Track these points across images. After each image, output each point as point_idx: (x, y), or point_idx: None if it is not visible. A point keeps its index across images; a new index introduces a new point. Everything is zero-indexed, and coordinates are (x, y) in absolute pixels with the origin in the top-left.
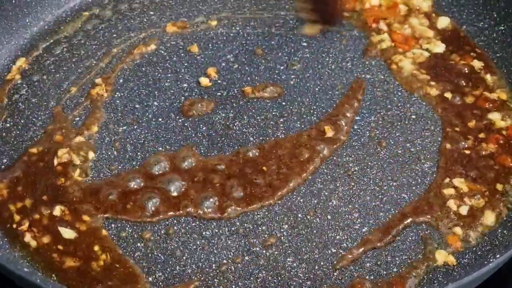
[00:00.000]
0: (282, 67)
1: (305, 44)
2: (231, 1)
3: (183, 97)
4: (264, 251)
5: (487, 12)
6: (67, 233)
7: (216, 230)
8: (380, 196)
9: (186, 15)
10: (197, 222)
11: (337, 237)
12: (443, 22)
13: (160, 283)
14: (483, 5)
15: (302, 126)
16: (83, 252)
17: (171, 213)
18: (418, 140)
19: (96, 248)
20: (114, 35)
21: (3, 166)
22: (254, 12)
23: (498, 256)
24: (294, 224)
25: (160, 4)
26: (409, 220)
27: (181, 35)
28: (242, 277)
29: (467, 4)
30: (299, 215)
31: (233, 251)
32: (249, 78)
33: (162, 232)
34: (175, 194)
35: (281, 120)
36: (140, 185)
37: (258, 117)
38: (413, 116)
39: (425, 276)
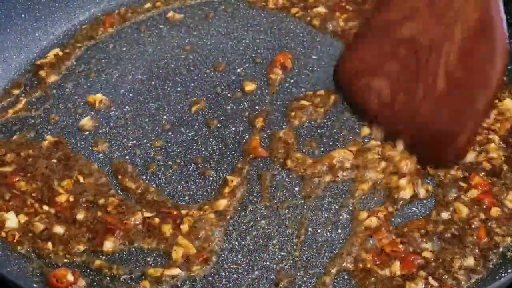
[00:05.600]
0: (292, 81)
1: (315, 57)
2: (240, 14)
3: (193, 111)
4: (274, 266)
5: None
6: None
7: (226, 244)
8: None
9: (196, 29)
10: None
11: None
12: None
13: None
14: None
15: (314, 138)
16: None
17: None
18: None
19: None
20: (124, 49)
21: None
22: (264, 25)
23: (510, 271)
24: (305, 239)
25: (173, 23)
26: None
27: (191, 51)
28: None
29: None
30: (310, 229)
31: (243, 265)
32: (259, 92)
33: None
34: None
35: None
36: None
37: (268, 131)
38: None
39: None
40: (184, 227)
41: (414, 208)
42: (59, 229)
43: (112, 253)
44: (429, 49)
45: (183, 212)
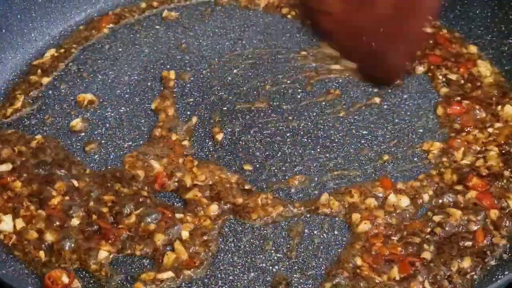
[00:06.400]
0: (288, 81)
1: (312, 60)
2: (237, 14)
3: (188, 112)
4: (270, 267)
5: (495, 25)
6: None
7: (222, 246)
8: None
9: (192, 29)
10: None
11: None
12: None
13: None
14: (490, 18)
15: (309, 140)
16: None
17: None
18: None
19: None
20: (120, 49)
21: None
22: (260, 25)
23: (507, 273)
24: (301, 240)
25: (169, 23)
26: None
27: (188, 52)
28: None
29: (474, 18)
30: (306, 230)
31: (239, 267)
32: (255, 92)
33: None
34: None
35: (288, 134)
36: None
37: (265, 132)
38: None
39: None
40: (185, 233)
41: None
42: (52, 237)
43: (106, 262)
44: None
45: (178, 216)
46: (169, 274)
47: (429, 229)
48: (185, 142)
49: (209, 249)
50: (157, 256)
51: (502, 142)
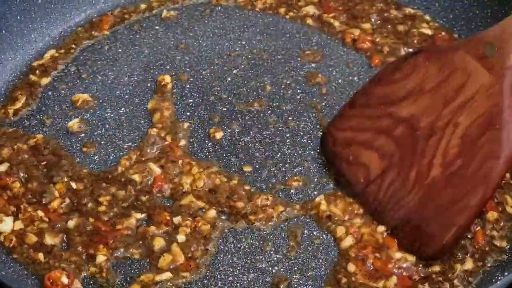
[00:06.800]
0: (288, 82)
1: (311, 60)
2: (236, 15)
3: (188, 113)
4: (270, 268)
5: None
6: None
7: (222, 247)
8: None
9: (192, 30)
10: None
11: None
12: None
13: None
14: (490, 18)
15: (309, 141)
16: None
17: None
18: None
19: None
20: (120, 50)
21: None
22: (260, 26)
23: (507, 273)
24: (301, 241)
25: (168, 24)
26: None
27: (187, 52)
28: None
29: (474, 18)
30: (305, 231)
31: (238, 268)
32: (254, 93)
33: None
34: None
35: (287, 135)
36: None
37: (264, 132)
38: None
39: None
40: (182, 237)
41: None
42: (51, 241)
43: (105, 265)
44: (429, 131)
45: (176, 219)
46: (167, 275)
47: None
48: (184, 143)
49: (208, 250)
50: (154, 258)
51: None
